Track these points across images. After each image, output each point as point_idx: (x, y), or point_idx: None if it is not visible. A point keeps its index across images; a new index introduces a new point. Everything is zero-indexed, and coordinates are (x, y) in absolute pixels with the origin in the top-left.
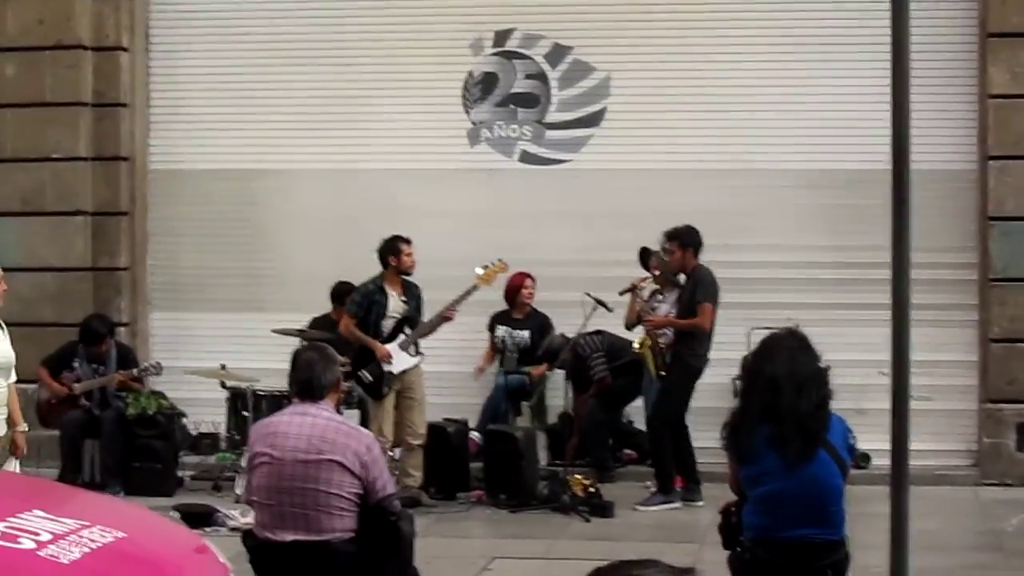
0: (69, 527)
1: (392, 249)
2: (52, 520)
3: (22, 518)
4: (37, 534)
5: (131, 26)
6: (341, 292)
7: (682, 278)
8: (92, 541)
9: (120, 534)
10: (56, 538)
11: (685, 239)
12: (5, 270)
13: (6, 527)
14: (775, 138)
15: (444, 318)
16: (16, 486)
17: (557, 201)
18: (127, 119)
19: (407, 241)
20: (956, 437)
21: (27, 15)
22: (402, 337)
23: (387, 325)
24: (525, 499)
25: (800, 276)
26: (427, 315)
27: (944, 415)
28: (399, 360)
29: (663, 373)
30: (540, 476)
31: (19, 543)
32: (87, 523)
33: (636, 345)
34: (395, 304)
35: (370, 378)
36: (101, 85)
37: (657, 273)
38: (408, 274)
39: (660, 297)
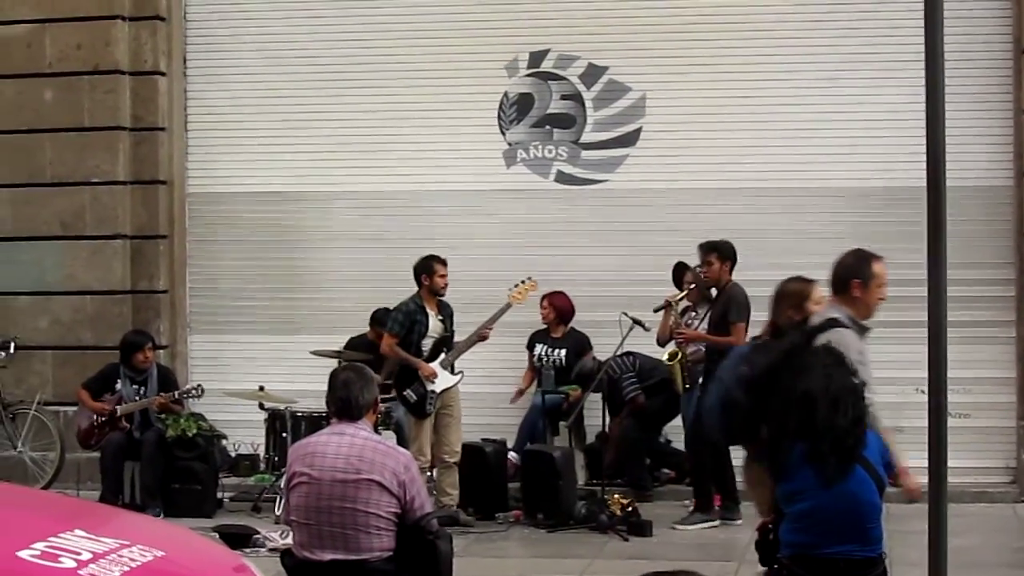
0: (109, 546)
1: (426, 268)
2: (92, 539)
3: (63, 538)
4: (78, 553)
5: (168, 51)
6: (380, 316)
7: (713, 292)
8: (132, 560)
9: (159, 553)
10: (96, 557)
11: (724, 252)
12: (44, 294)
13: (47, 547)
14: (810, 156)
15: (481, 337)
16: (58, 506)
17: (593, 221)
18: (165, 143)
19: (442, 262)
20: (994, 454)
21: (65, 40)
22: (443, 356)
23: (427, 344)
24: (563, 519)
25: None
26: (457, 334)
27: (982, 432)
28: (442, 379)
29: (687, 386)
30: (578, 496)
31: (60, 562)
32: (127, 542)
33: (666, 357)
34: (434, 324)
35: (415, 397)
36: (139, 109)
37: (692, 286)
38: (440, 295)
39: (693, 314)
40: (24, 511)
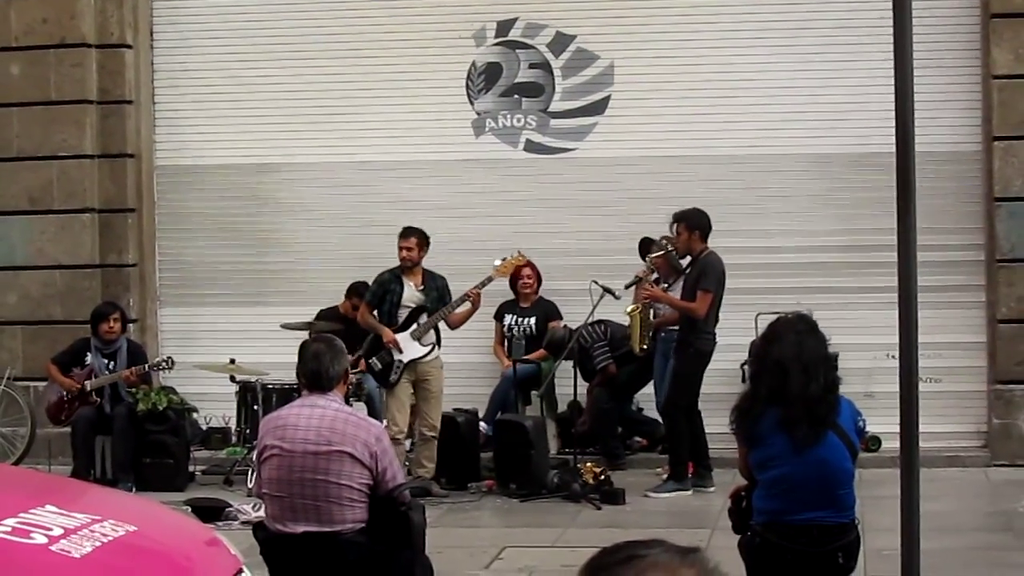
0: (81, 522)
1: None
2: (64, 515)
3: (34, 513)
4: (49, 529)
5: (135, 23)
6: (357, 287)
7: (685, 262)
8: (103, 535)
9: (131, 528)
10: (68, 533)
11: (692, 221)
12: (13, 269)
13: (18, 522)
14: (779, 123)
15: (471, 304)
16: (28, 482)
17: (562, 190)
18: (132, 116)
19: (403, 235)
20: (966, 419)
21: (31, 14)
22: (414, 326)
23: (402, 314)
24: (535, 488)
25: (807, 260)
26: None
27: (953, 397)
28: (409, 349)
29: (644, 347)
30: (550, 465)
31: (31, 538)
32: (99, 517)
33: (627, 310)
34: (411, 294)
35: (379, 365)
36: (106, 82)
37: (661, 253)
38: (405, 266)
39: (665, 285)
40: None
